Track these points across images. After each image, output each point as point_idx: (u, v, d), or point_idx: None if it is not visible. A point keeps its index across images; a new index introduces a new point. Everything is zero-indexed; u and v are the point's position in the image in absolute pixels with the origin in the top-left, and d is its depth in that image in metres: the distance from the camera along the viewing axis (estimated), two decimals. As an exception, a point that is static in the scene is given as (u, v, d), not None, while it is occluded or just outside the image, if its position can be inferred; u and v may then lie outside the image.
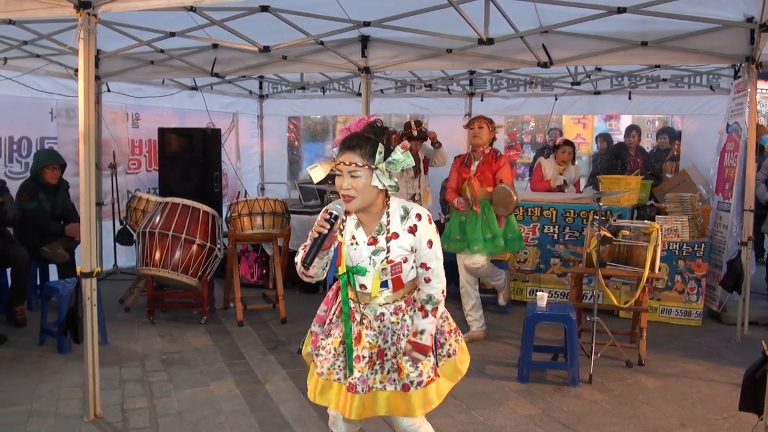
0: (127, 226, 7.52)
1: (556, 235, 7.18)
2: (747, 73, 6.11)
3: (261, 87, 11.29)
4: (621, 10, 5.51)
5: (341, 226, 2.90)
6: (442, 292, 2.96)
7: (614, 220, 5.96)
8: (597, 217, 5.44)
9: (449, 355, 3.12)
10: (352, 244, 2.90)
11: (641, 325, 5.55)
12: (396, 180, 2.83)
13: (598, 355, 5.35)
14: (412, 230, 2.86)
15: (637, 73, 8.88)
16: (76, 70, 5.22)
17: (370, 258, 2.88)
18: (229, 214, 6.69)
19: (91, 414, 4.29)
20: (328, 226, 2.78)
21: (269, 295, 7.35)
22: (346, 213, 2.90)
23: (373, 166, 2.75)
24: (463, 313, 6.15)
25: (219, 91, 10.30)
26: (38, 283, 7.00)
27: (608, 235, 5.50)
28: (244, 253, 8.10)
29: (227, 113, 10.83)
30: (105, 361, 5.11)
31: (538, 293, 5.27)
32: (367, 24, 6.33)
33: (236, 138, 11.17)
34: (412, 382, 2.92)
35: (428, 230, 2.88)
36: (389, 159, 2.78)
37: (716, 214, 6.98)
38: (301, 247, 2.90)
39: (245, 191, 10.01)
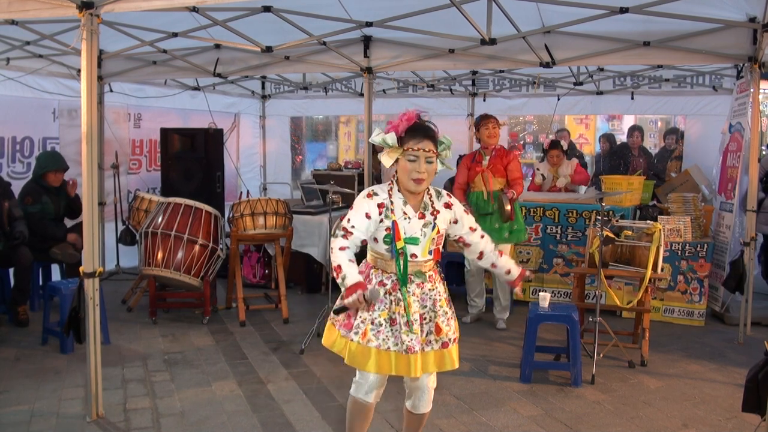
0: (130, 226, 7.53)
1: (558, 235, 7.18)
2: (750, 73, 6.11)
3: (263, 87, 11.29)
4: (623, 10, 5.51)
5: (391, 207, 3.24)
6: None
7: (617, 221, 5.96)
8: (599, 218, 5.44)
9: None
10: (404, 218, 3.26)
11: (644, 326, 5.54)
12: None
13: (601, 355, 5.35)
14: (448, 206, 3.36)
15: (640, 73, 8.87)
16: (79, 71, 5.24)
17: (422, 230, 3.27)
18: (231, 214, 6.69)
19: (94, 414, 4.29)
20: (361, 306, 3.13)
21: (271, 295, 7.36)
22: (390, 191, 3.28)
23: (439, 154, 3.24)
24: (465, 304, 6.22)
25: (221, 92, 10.31)
26: (41, 283, 7.00)
27: (611, 235, 5.50)
28: (246, 254, 8.10)
29: (229, 113, 10.84)
30: (107, 361, 5.11)
31: (541, 293, 5.27)
32: (369, 24, 6.33)
33: (237, 138, 11.18)
34: (450, 339, 3.33)
35: (459, 203, 3.43)
36: (444, 147, 3.28)
37: (719, 214, 6.97)
38: (336, 261, 3.16)
39: (247, 191, 10.01)
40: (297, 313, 6.86)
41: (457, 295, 6.93)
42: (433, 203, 3.32)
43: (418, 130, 3.20)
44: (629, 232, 5.70)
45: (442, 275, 3.48)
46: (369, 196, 3.25)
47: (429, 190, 3.33)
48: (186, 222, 6.37)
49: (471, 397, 4.76)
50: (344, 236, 3.20)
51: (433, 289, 3.35)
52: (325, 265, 7.59)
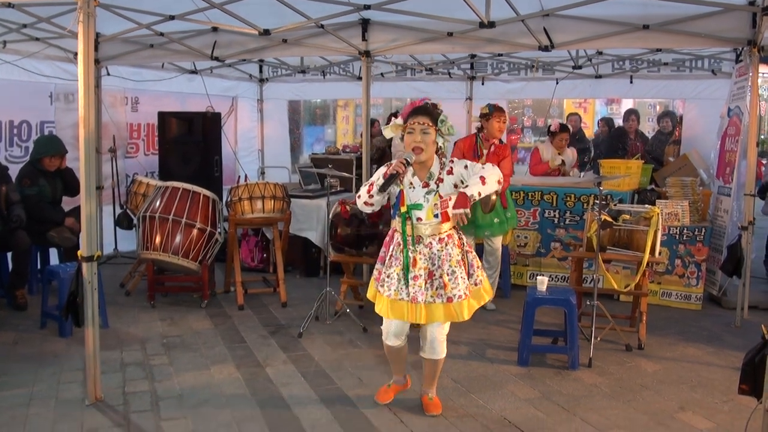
0: (128, 210, 7.52)
1: (556, 220, 7.18)
2: (748, 57, 6.09)
3: (261, 71, 11.24)
4: (623, -7, 5.49)
5: (401, 178, 3.90)
6: (498, 182, 3.84)
7: (615, 205, 5.96)
8: (597, 202, 5.44)
9: (476, 284, 4.10)
10: (410, 187, 3.97)
11: (641, 309, 5.57)
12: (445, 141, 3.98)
13: (598, 339, 5.37)
14: (450, 171, 3.95)
15: (639, 57, 8.83)
16: (76, 54, 5.20)
17: (425, 196, 3.95)
18: (229, 198, 6.68)
19: (92, 397, 4.31)
20: (404, 168, 3.80)
21: (270, 279, 7.37)
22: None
23: (437, 128, 3.89)
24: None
25: (219, 75, 10.26)
26: (39, 267, 7.00)
27: (609, 219, 5.50)
28: (244, 237, 8.10)
29: (227, 97, 10.79)
30: (106, 344, 5.12)
31: (539, 277, 5.27)
32: (367, 7, 6.29)
33: (235, 122, 11.14)
34: (454, 296, 3.92)
35: (461, 162, 3.98)
36: (444, 124, 3.92)
37: (717, 198, 6.97)
38: (365, 183, 4.01)
39: (245, 175, 10.00)
40: (295, 296, 6.87)
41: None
42: (439, 173, 3.94)
43: (415, 110, 3.91)
44: (627, 216, 5.70)
45: (463, 241, 4.07)
46: (386, 165, 3.93)
47: (436, 162, 3.95)
48: (184, 206, 6.35)
49: (468, 380, 4.78)
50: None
51: (442, 251, 3.95)
52: (323, 249, 7.59)
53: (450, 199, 3.80)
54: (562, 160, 7.93)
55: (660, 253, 5.75)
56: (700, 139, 8.89)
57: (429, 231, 3.95)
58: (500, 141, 6.43)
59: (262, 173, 11.37)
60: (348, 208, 6.05)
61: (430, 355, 4.12)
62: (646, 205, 5.97)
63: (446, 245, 3.96)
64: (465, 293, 3.95)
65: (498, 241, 6.53)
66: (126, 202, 7.44)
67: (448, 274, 3.92)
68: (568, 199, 7.11)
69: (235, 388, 4.61)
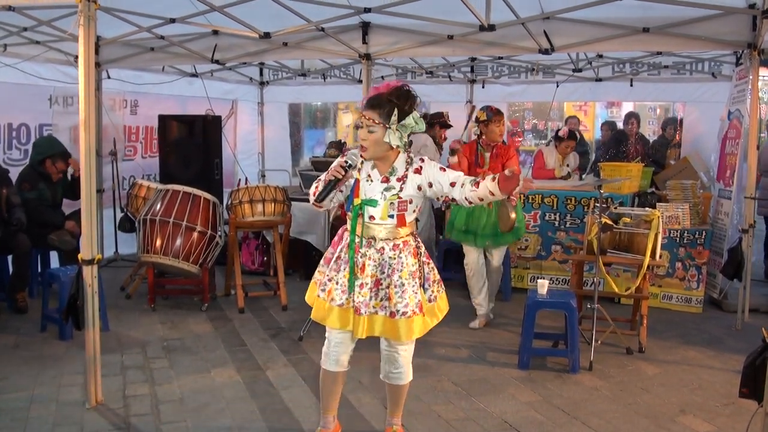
0: (128, 214, 7.52)
1: (557, 222, 7.17)
2: (749, 60, 6.10)
3: (261, 74, 11.24)
4: (623, -4, 5.49)
5: (360, 166, 3.45)
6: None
7: (615, 208, 5.96)
8: (598, 205, 5.44)
9: (430, 300, 3.55)
10: (367, 180, 3.45)
11: (642, 313, 5.56)
12: (405, 141, 3.40)
13: (599, 342, 5.36)
14: (418, 171, 3.43)
15: (639, 60, 8.83)
16: (76, 57, 5.21)
17: (382, 193, 3.43)
18: (229, 201, 6.68)
19: (93, 400, 4.30)
20: (343, 173, 3.36)
21: (270, 282, 7.36)
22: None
23: (387, 126, 3.30)
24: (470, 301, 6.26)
25: (219, 78, 10.25)
26: (39, 270, 7.00)
27: (609, 222, 5.50)
28: (244, 241, 8.10)
29: (227, 100, 10.80)
30: (106, 347, 5.11)
31: (539, 280, 5.28)
32: (367, 10, 6.30)
33: (235, 125, 11.13)
34: (398, 311, 3.40)
35: (433, 164, 3.48)
36: (402, 122, 3.32)
37: (717, 201, 6.97)
38: (316, 180, 3.47)
39: (246, 178, 9.99)
40: (295, 299, 6.84)
41: (454, 282, 6.93)
42: (406, 170, 3.44)
43: (369, 100, 3.39)
44: (628, 219, 5.70)
45: (420, 250, 3.55)
46: (342, 155, 3.45)
47: (399, 158, 3.45)
48: (184, 209, 6.36)
49: (469, 383, 4.77)
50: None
51: (395, 258, 3.44)
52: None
53: (407, 204, 3.42)
54: (569, 172, 7.91)
55: (660, 256, 5.74)
56: (700, 142, 8.90)
57: (383, 234, 3.43)
58: (502, 142, 6.22)
59: (263, 176, 11.37)
60: (348, 211, 6.03)
61: (394, 380, 3.65)
62: (647, 208, 5.97)
63: (400, 253, 3.44)
64: (414, 310, 3.42)
65: (498, 257, 6.21)
66: (126, 205, 7.44)
67: (395, 286, 3.41)
68: (569, 202, 7.10)
69: (235, 392, 4.61)
